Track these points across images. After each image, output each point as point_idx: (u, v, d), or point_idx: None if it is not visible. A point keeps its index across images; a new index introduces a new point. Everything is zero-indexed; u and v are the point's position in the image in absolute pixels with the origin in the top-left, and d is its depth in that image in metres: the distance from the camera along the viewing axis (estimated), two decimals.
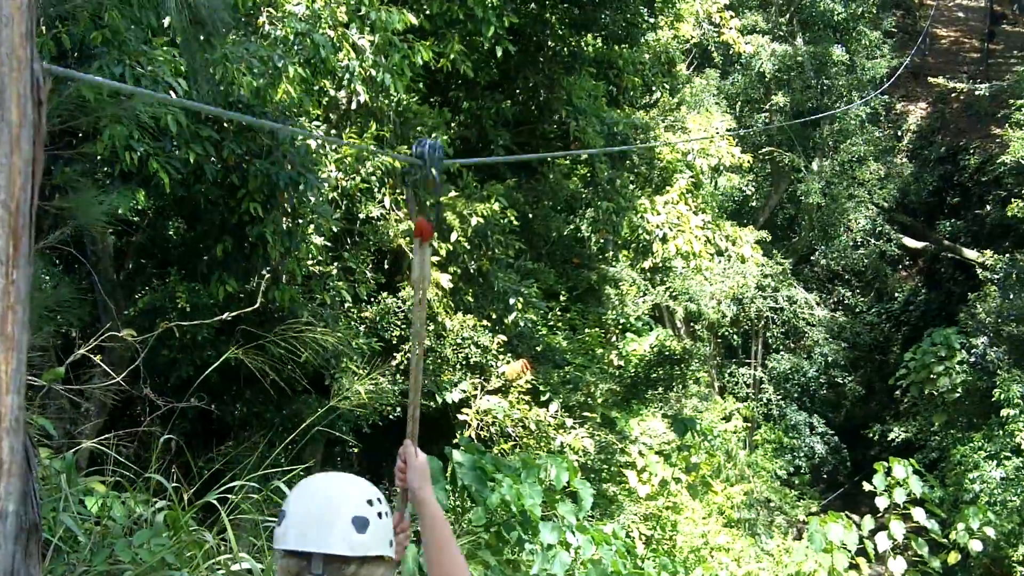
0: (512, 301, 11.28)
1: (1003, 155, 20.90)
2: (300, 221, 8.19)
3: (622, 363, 15.34)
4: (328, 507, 2.11)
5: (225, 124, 7.39)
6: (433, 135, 9.80)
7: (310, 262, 8.75)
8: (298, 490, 2.19)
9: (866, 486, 12.43)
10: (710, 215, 16.97)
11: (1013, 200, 20.38)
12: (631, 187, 14.22)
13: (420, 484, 2.46)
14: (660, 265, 16.06)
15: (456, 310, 10.67)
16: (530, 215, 12.98)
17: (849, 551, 12.31)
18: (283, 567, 2.12)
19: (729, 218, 20.80)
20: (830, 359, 25.21)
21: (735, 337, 23.47)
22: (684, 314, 19.04)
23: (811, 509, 20.84)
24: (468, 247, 10.70)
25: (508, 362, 10.84)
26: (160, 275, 9.28)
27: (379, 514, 2.18)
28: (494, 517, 7.71)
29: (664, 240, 14.95)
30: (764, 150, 23.38)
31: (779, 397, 24.65)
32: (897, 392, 22.18)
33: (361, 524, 2.12)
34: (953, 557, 12.87)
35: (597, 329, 15.04)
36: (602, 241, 14.62)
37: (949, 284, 26.77)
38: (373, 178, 9.61)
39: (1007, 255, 20.98)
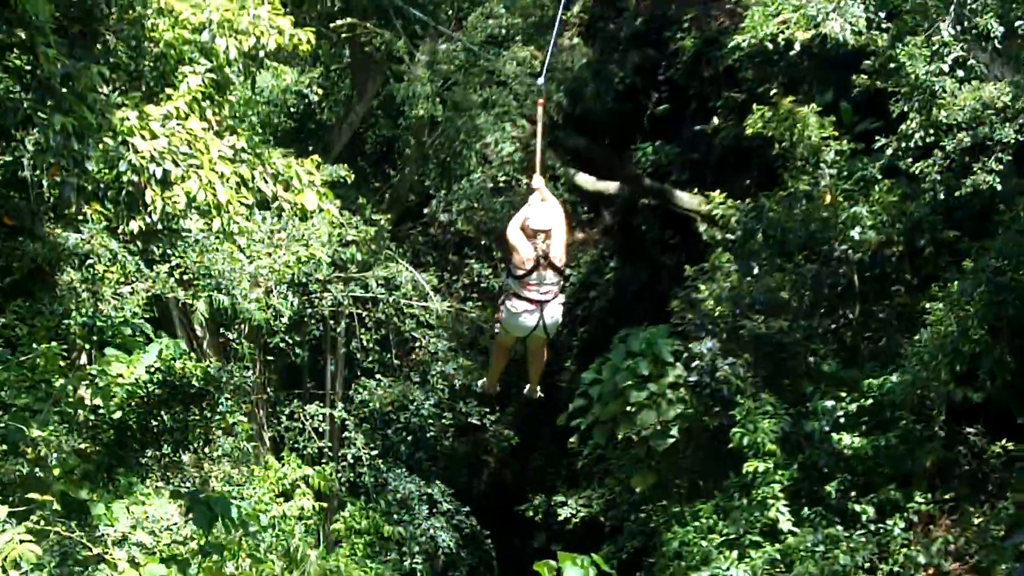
0: None
1: (736, 33, 21.22)
2: None
3: (99, 402, 15.25)
4: (547, 214, 12.93)
5: None
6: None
7: None
8: (538, 207, 12.98)
9: None
10: (245, 138, 17.01)
11: (755, 107, 21.62)
12: (105, 89, 14.33)
13: (541, 189, 13.33)
14: (160, 227, 16.28)
15: None
16: None
17: None
18: (531, 233, 12.84)
19: (280, 143, 21.24)
20: (458, 383, 25.87)
21: (297, 351, 24.30)
22: (208, 312, 19.39)
23: None
24: None
25: None
26: None
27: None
28: None
29: (166, 182, 14.99)
30: (340, 23, 23.85)
31: (374, 453, 25.23)
32: (572, 439, 23.41)
33: (554, 209, 13.27)
34: None
35: (54, 343, 14.59)
36: (57, 184, 14.49)
37: (654, 251, 28.38)
38: None
39: (747, 199, 22.33)
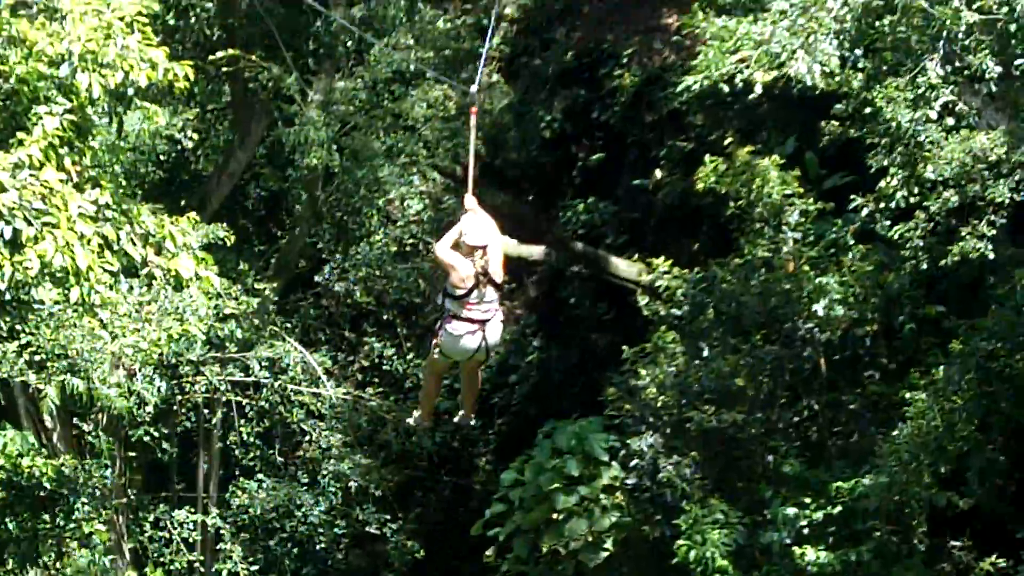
0: None
1: (684, 71, 21.37)
2: None
3: None
4: (482, 230, 15.08)
5: None
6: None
7: None
8: (471, 223, 15.05)
9: None
10: (110, 191, 16.51)
11: (706, 159, 21.33)
12: None
13: (473, 209, 15.48)
14: (8, 298, 15.71)
15: None
16: None
17: None
18: (467, 251, 15.00)
19: (148, 197, 21.15)
20: (354, 486, 25.73)
21: (164, 446, 23.99)
22: (59, 399, 19.18)
23: None
24: None
25: None
26: None
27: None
28: None
29: (16, 244, 14.48)
30: (219, 55, 24.20)
31: (254, 568, 25.17)
32: (488, 552, 23.05)
33: (488, 224, 15.75)
34: None
35: None
36: None
37: (585, 328, 28.20)
38: None
39: (695, 268, 22.09)
